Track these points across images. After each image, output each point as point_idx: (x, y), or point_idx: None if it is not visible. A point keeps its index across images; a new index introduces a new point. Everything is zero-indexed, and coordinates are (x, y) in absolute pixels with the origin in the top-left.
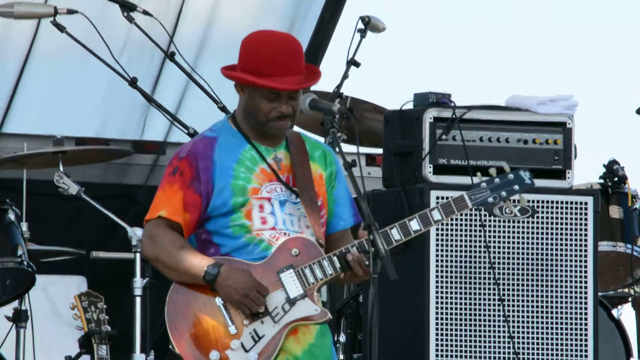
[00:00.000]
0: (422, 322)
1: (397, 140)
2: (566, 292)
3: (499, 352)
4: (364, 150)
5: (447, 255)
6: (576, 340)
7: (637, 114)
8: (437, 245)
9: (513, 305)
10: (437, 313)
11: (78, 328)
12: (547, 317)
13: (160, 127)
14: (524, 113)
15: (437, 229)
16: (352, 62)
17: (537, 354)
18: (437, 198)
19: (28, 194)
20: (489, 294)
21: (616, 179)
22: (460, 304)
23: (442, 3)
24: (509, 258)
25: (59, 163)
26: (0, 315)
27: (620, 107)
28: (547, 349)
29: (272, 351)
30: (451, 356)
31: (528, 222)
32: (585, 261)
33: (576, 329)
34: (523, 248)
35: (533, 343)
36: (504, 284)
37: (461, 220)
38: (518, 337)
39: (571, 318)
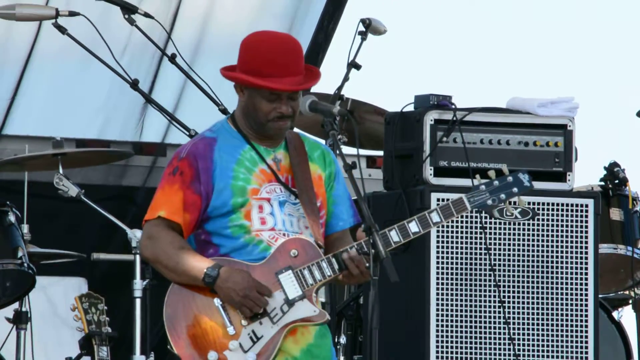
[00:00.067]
0: (423, 324)
1: (397, 142)
2: (567, 294)
3: (500, 355)
4: (364, 152)
5: (447, 258)
6: (577, 342)
7: (637, 117)
8: (437, 247)
9: (513, 308)
10: (437, 315)
11: (78, 329)
12: (547, 320)
13: (158, 129)
14: (525, 115)
15: (438, 232)
16: (353, 65)
17: (538, 356)
18: (438, 200)
19: (29, 196)
20: (490, 297)
21: (617, 181)
22: (461, 306)
23: (443, 5)
24: (509, 260)
25: (58, 165)
26: (0, 316)
27: (621, 110)
28: (548, 352)
29: (270, 352)
30: (451, 358)
31: (528, 225)
32: (586, 263)
33: (577, 331)
34: (523, 250)
35: (533, 345)
36: (504, 287)
37: (462, 222)
38: (518, 340)
39: (572, 320)
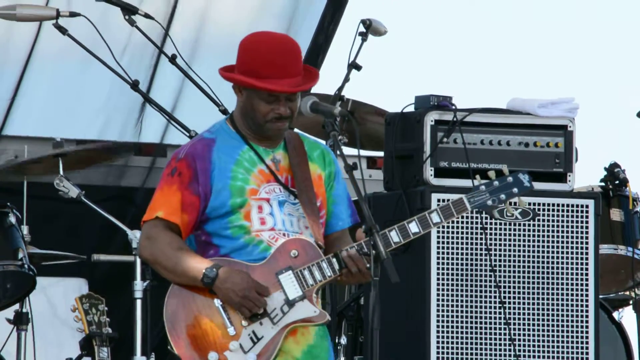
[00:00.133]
0: (423, 325)
1: (398, 143)
2: (567, 295)
3: (500, 355)
4: (365, 153)
5: (448, 259)
6: (577, 343)
7: (638, 117)
8: (438, 248)
9: (514, 308)
10: (438, 316)
11: (79, 330)
12: (548, 320)
13: (157, 129)
14: (525, 116)
15: (438, 232)
16: (354, 65)
17: (538, 357)
18: (438, 201)
19: (29, 197)
20: (490, 297)
21: (617, 181)
22: (461, 307)
23: (443, 6)
24: (510, 261)
25: (59, 166)
26: (1, 318)
27: (621, 110)
28: (548, 352)
29: (271, 352)
30: (452, 359)
31: (529, 225)
32: (586, 264)
33: (577, 332)
34: (524, 251)
35: (534, 346)
36: (504, 287)
37: (462, 223)
38: (519, 340)
39: (572, 321)
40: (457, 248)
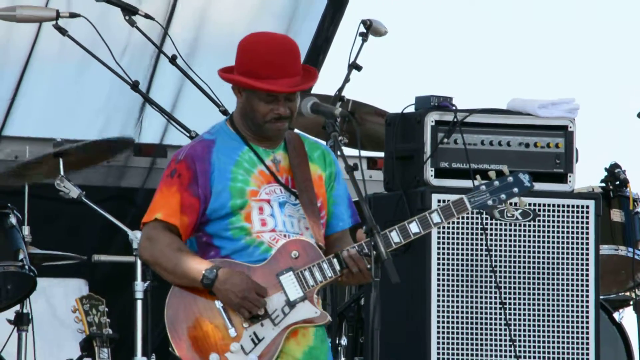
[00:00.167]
0: (424, 326)
1: (398, 143)
2: (568, 295)
3: (500, 356)
4: (365, 153)
5: (448, 259)
6: (578, 344)
7: (638, 118)
8: (438, 249)
9: (514, 309)
10: (438, 317)
11: (79, 331)
12: (548, 321)
13: (156, 130)
14: (526, 116)
15: (439, 233)
16: (354, 66)
17: (539, 358)
18: (439, 201)
19: (29, 198)
20: (491, 298)
21: (617, 182)
22: (462, 307)
23: (443, 7)
24: (510, 262)
25: (59, 166)
26: (1, 318)
27: (622, 111)
28: (549, 353)
29: (272, 353)
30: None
31: (529, 226)
32: (587, 265)
33: (578, 333)
34: (524, 252)
35: (534, 347)
36: (505, 288)
37: (462, 223)
38: (519, 341)
39: (573, 322)
40: (458, 248)
